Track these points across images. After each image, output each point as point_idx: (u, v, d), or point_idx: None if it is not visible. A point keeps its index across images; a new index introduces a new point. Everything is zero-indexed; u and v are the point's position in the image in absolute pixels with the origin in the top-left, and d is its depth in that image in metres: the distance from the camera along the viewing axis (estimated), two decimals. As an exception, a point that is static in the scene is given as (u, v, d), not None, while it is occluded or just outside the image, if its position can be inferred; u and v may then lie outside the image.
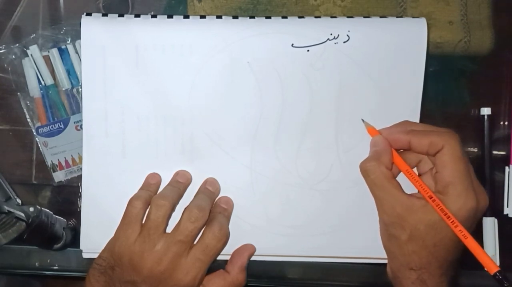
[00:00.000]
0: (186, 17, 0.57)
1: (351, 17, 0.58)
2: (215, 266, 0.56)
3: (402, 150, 0.55)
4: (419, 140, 0.52)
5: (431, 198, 0.51)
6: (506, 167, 0.64)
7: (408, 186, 0.53)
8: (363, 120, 0.57)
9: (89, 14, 0.56)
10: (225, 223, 0.55)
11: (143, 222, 0.54)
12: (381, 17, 0.58)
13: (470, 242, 0.50)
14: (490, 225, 0.63)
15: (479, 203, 0.51)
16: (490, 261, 0.50)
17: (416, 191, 0.53)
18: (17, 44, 0.61)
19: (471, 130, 0.64)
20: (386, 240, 0.55)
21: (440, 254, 0.51)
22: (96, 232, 0.57)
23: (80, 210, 0.58)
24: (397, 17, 0.61)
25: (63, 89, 0.61)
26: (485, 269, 0.50)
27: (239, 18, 0.57)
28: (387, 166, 0.53)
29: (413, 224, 0.51)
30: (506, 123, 0.64)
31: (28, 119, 0.61)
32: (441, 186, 0.51)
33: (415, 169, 0.55)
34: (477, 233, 0.63)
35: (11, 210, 0.57)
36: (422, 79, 0.57)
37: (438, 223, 0.51)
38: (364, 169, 0.54)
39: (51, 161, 0.62)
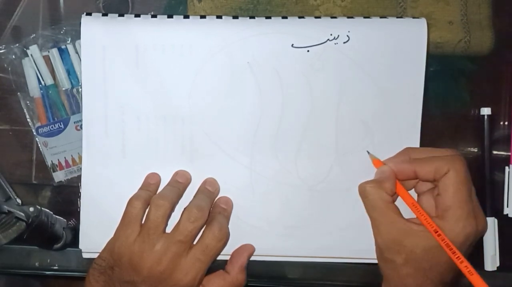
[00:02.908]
0: (186, 17, 0.57)
1: (351, 17, 0.58)
2: (215, 266, 0.56)
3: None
4: (424, 169, 0.52)
5: (436, 232, 0.50)
6: (506, 167, 0.64)
7: (405, 210, 0.53)
8: (368, 152, 0.56)
9: (89, 14, 0.56)
10: (225, 223, 0.55)
11: (143, 222, 0.54)
12: (381, 17, 0.58)
13: (475, 279, 0.49)
14: (490, 225, 0.63)
15: (478, 228, 0.51)
16: None
17: (413, 216, 0.52)
18: (17, 44, 0.61)
19: (471, 130, 0.64)
20: (381, 262, 0.54)
21: (435, 276, 0.51)
22: (96, 232, 0.57)
23: (80, 210, 0.58)
24: (397, 17, 0.61)
25: (63, 89, 0.61)
26: None
27: (239, 18, 0.57)
28: (388, 191, 0.52)
29: (410, 248, 0.51)
30: (506, 123, 0.64)
31: (28, 119, 0.61)
32: (441, 210, 0.51)
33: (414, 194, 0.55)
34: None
35: (11, 210, 0.57)
36: (423, 79, 0.57)
37: (435, 248, 0.50)
38: (363, 190, 0.53)
39: (51, 161, 0.62)
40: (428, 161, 0.52)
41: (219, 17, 0.57)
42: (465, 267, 0.49)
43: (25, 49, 0.61)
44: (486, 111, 0.63)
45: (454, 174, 0.50)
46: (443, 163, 0.51)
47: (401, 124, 0.58)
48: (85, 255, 0.58)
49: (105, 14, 0.56)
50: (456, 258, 0.49)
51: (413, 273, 0.51)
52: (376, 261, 0.57)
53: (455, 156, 0.51)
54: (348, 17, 0.58)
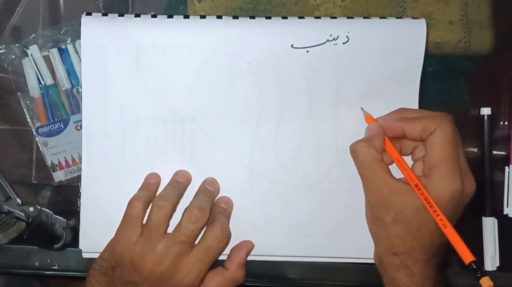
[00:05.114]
0: (186, 17, 0.57)
1: (351, 17, 0.58)
2: (215, 265, 0.56)
3: (398, 139, 0.55)
4: (411, 126, 0.52)
5: (417, 186, 0.51)
6: (506, 167, 0.64)
7: (398, 172, 0.53)
8: (362, 109, 0.57)
9: (89, 14, 0.56)
10: (226, 224, 0.55)
11: (144, 222, 0.54)
12: (381, 17, 0.58)
13: (449, 232, 0.50)
14: (490, 225, 0.63)
15: (465, 187, 0.51)
16: (467, 250, 0.50)
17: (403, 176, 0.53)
18: (17, 44, 0.61)
19: (471, 130, 0.64)
20: (371, 222, 0.55)
21: (425, 238, 0.51)
22: (96, 232, 0.57)
23: (80, 210, 0.58)
24: (397, 17, 0.61)
25: (63, 89, 0.61)
26: (461, 258, 0.50)
27: (239, 18, 0.57)
28: (377, 149, 0.53)
29: (398, 207, 0.51)
30: (506, 123, 0.64)
31: (28, 119, 0.62)
32: (427, 168, 0.51)
33: (408, 158, 0.55)
34: (477, 233, 0.63)
35: (11, 210, 0.57)
36: (418, 79, 0.57)
37: (423, 208, 0.51)
38: (354, 149, 0.54)
39: (51, 161, 0.62)
40: (416, 120, 0.52)
41: (219, 17, 0.57)
42: (440, 220, 0.50)
43: (25, 49, 0.61)
44: (486, 111, 0.63)
45: (441, 133, 0.51)
46: (430, 122, 0.51)
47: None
48: (85, 255, 0.58)
49: (105, 14, 0.56)
50: (433, 211, 0.50)
51: (401, 234, 0.51)
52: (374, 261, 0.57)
53: (443, 116, 0.52)
54: (348, 18, 0.58)
